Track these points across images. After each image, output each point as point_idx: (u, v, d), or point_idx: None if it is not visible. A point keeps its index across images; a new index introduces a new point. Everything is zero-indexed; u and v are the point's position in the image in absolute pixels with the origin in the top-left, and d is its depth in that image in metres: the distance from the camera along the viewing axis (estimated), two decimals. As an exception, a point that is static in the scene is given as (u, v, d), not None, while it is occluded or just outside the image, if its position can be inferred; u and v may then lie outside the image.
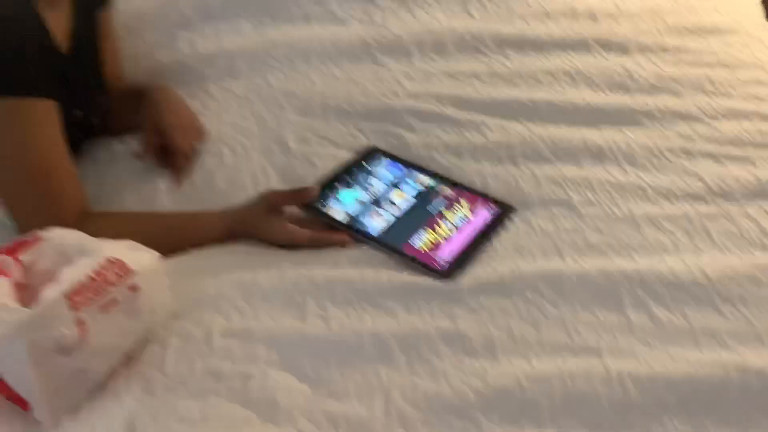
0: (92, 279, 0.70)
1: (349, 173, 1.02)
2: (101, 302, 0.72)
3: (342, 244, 0.93)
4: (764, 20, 1.40)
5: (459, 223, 0.95)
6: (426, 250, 0.90)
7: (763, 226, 0.93)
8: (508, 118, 1.11)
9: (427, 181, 1.01)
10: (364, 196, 0.99)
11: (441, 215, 0.96)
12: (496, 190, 1.00)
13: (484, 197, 0.98)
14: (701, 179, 1.00)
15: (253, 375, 0.76)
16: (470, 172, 1.03)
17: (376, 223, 0.95)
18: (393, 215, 0.96)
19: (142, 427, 0.71)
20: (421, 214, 0.96)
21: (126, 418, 0.72)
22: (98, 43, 1.15)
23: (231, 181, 1.05)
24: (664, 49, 1.25)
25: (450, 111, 1.13)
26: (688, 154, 1.05)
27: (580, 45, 1.26)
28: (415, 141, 1.08)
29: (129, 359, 0.79)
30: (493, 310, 0.82)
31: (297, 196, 0.97)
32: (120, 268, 0.73)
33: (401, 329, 0.80)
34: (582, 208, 0.95)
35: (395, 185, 1.01)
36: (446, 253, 0.90)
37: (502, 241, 0.92)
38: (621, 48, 1.25)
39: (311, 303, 0.84)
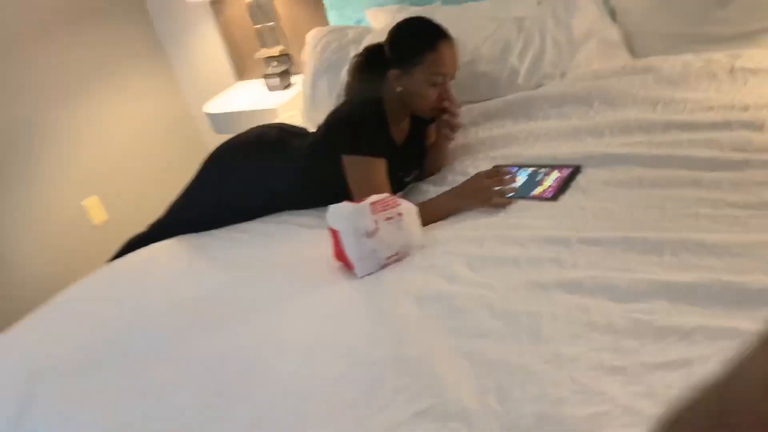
0: (381, 201, 1.60)
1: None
2: (385, 215, 1.60)
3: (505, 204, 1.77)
4: None
5: (553, 181, 1.77)
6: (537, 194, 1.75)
7: None
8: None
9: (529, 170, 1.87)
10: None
11: (541, 181, 1.79)
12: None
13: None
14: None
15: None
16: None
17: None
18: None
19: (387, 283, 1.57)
20: (531, 183, 1.80)
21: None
22: (422, 145, 2.16)
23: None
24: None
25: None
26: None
27: (726, 126, 1.80)
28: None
29: (397, 258, 1.66)
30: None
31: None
32: (393, 202, 1.62)
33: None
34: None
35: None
36: (548, 193, 1.72)
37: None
38: (754, 127, 1.75)
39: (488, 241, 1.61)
